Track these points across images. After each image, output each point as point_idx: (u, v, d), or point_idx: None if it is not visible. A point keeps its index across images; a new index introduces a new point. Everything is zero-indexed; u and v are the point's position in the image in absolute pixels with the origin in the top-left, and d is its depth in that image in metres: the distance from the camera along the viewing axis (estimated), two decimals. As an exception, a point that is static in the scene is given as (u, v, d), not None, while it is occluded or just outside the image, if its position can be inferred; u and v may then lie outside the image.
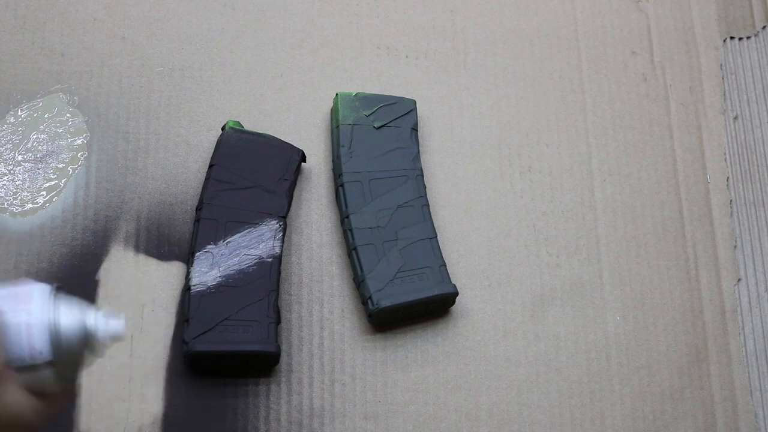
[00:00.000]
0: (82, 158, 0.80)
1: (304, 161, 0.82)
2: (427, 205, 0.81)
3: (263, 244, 0.77)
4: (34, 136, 0.81)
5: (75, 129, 0.81)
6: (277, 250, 0.77)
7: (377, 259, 0.78)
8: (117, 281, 0.77)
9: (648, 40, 0.92)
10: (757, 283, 0.85)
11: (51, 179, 0.80)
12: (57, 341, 0.54)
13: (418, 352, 0.79)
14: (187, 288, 0.75)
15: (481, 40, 0.90)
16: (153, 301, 0.77)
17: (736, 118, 0.91)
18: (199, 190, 0.79)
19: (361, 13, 0.89)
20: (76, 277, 0.77)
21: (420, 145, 0.84)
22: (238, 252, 0.76)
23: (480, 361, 0.79)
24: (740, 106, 0.91)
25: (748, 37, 0.94)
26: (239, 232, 0.77)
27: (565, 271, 0.83)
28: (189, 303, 0.74)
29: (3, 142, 0.80)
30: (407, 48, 0.88)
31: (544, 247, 0.83)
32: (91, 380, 0.74)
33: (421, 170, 0.82)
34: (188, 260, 0.76)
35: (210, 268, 0.75)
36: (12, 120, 0.81)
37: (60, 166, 0.80)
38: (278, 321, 0.75)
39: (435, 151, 0.85)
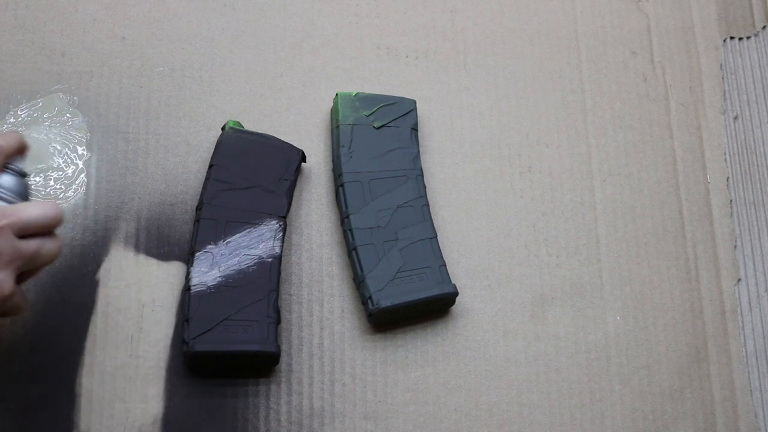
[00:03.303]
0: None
1: (304, 161, 0.82)
2: (427, 205, 0.81)
3: (263, 244, 0.77)
4: (34, 136, 0.81)
5: (75, 129, 0.81)
6: (277, 250, 0.77)
7: (377, 259, 0.78)
8: (117, 281, 0.77)
9: (648, 40, 0.92)
10: (757, 283, 0.85)
11: (51, 179, 0.80)
12: None
13: (418, 352, 0.79)
14: (187, 288, 0.75)
15: (481, 40, 0.90)
16: (153, 301, 0.77)
17: (736, 118, 0.91)
18: (199, 190, 0.79)
19: (361, 13, 0.89)
20: (77, 277, 0.77)
21: (420, 145, 0.84)
22: (238, 252, 0.76)
23: (480, 361, 0.79)
24: (740, 106, 0.91)
25: (748, 37, 0.94)
26: (239, 232, 0.77)
27: (565, 271, 0.83)
28: (189, 303, 0.74)
29: (3, 142, 0.80)
30: (407, 48, 0.88)
31: (544, 247, 0.83)
32: (91, 380, 0.74)
33: (421, 170, 0.82)
34: (188, 260, 0.76)
35: (210, 268, 0.75)
36: (12, 120, 0.81)
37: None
38: (278, 321, 0.75)
39: (435, 151, 0.85)
